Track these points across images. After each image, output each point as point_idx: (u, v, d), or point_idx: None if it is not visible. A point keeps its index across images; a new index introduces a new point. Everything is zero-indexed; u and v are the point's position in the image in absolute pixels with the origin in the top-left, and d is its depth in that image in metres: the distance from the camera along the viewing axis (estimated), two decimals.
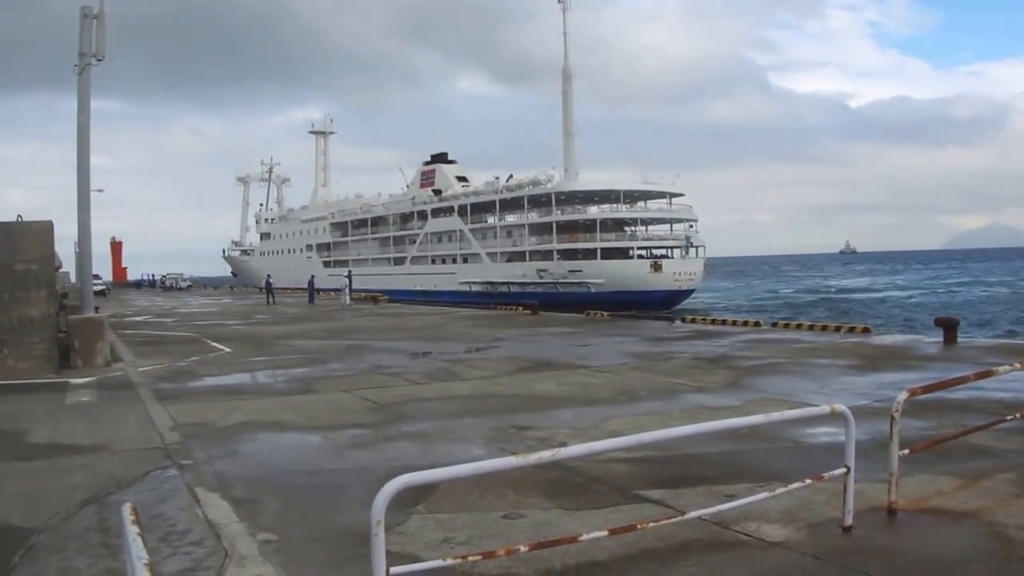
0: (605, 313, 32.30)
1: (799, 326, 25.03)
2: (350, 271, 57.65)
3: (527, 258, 67.77)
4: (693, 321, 28.08)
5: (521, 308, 36.09)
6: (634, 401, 12.18)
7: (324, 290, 64.10)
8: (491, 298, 63.36)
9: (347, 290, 49.40)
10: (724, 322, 27.04)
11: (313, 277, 57.50)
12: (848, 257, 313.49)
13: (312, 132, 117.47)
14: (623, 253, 62.82)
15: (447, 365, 17.10)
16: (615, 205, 67.04)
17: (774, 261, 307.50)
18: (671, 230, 66.96)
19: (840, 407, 6.03)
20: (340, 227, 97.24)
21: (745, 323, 26.32)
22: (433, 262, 79.39)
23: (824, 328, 23.88)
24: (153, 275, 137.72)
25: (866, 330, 22.77)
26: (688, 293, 63.17)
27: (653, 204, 69.31)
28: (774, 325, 25.89)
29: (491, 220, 73.96)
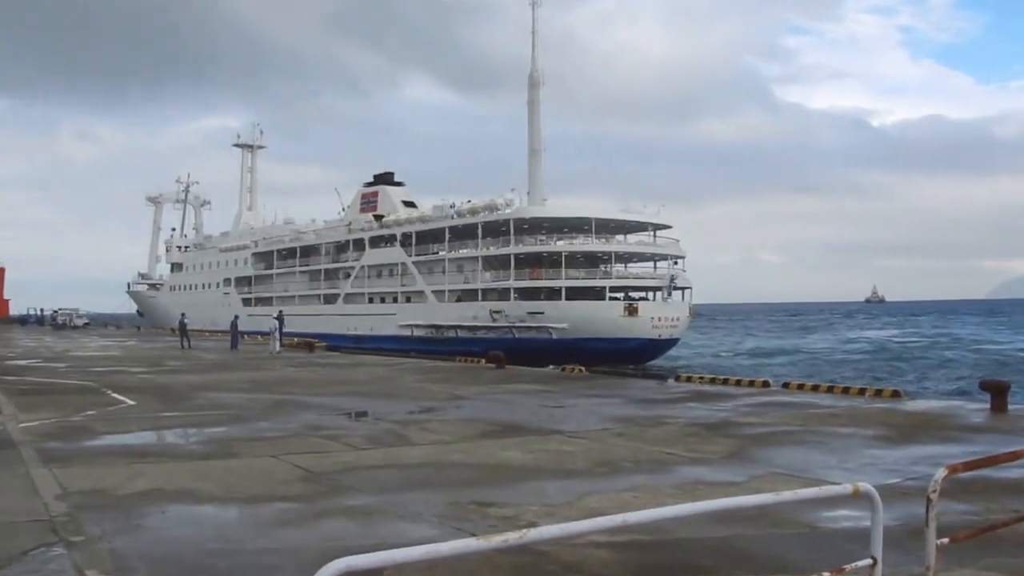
0: (583, 368, 32.37)
1: (815, 388, 25.15)
2: (281, 312, 57.10)
3: (480, 297, 67.46)
4: (689, 380, 28.25)
5: (484, 361, 36.19)
6: (617, 474, 12.19)
7: (250, 333, 63.69)
8: (436, 345, 63.38)
9: (277, 334, 48.85)
10: (727, 381, 27.15)
11: (237, 318, 57.02)
12: (875, 307, 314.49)
13: (237, 145, 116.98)
14: (594, 293, 62.74)
15: (396, 427, 17.08)
16: (587, 237, 66.66)
17: (783, 310, 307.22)
18: (655, 268, 67.54)
19: (865, 486, 6.02)
20: (264, 258, 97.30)
21: (751, 383, 26.43)
22: (370, 300, 79.30)
23: (845, 391, 24.00)
24: (42, 310, 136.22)
25: (896, 394, 22.90)
26: (670, 343, 63.47)
27: (633, 238, 69.74)
28: (785, 386, 25.99)
29: (439, 252, 73.82)
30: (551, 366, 35.05)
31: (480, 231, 69.23)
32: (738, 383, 26.66)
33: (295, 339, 55.57)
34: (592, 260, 66.22)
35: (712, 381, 27.60)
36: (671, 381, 28.38)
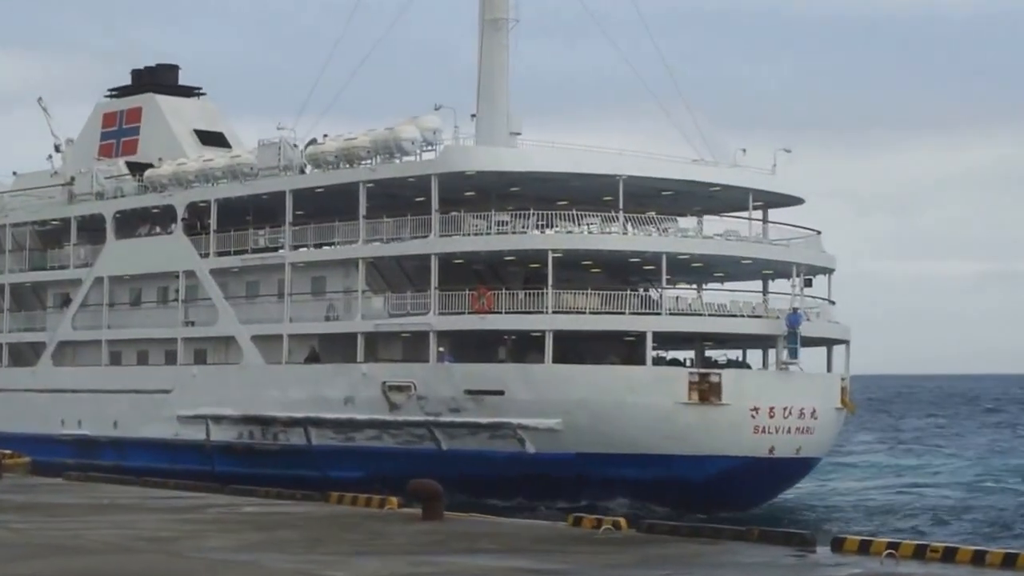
0: (621, 520, 19.90)
1: None
2: None
3: (362, 352, 39.51)
4: (865, 548, 17.50)
5: (397, 501, 23.02)
6: None
7: None
8: (262, 464, 39.14)
9: None
10: (953, 555, 16.78)
11: None
12: None
13: None
14: (622, 347, 37.62)
15: None
16: (607, 219, 38.16)
17: None
18: (764, 296, 40.24)
19: None
20: None
21: (1011, 559, 16.20)
22: (115, 360, 47.96)
23: None
24: None
25: None
26: (801, 467, 37.64)
27: (715, 224, 41.59)
28: None
29: (277, 246, 43.09)
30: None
31: (363, 201, 39.90)
32: (978, 559, 16.47)
33: None
34: (618, 272, 39.90)
35: (918, 553, 16.97)
36: (823, 550, 17.83)
